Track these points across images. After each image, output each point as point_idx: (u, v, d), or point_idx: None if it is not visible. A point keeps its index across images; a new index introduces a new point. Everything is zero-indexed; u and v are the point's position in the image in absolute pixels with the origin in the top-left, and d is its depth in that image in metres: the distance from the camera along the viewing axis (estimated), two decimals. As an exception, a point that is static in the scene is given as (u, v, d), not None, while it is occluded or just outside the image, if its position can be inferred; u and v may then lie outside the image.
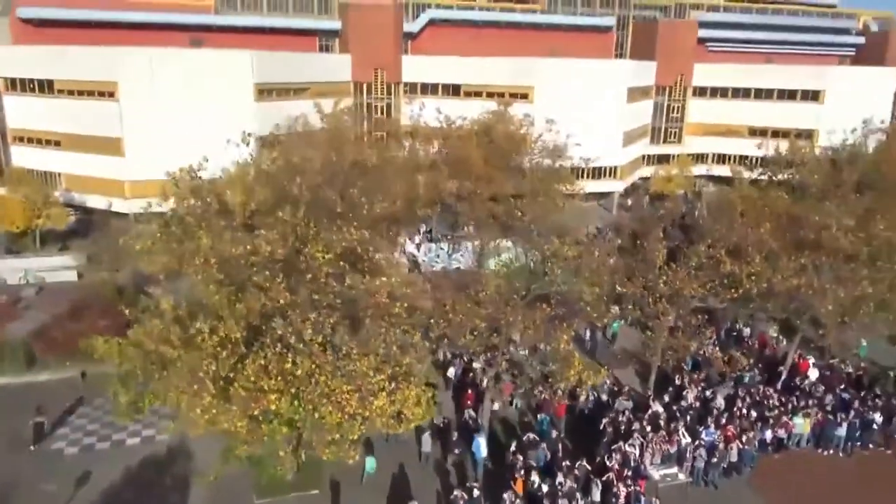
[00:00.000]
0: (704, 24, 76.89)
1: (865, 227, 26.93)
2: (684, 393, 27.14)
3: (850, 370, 30.00)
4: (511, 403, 27.67)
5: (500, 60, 62.01)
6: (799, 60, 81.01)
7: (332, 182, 21.48)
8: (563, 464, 22.25)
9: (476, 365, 28.52)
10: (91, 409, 27.71)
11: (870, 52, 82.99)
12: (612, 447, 23.23)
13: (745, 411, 25.83)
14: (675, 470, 23.49)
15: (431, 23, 69.30)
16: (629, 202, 66.55)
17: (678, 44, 71.89)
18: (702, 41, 77.12)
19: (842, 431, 25.37)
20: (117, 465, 23.99)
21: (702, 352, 28.08)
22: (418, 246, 48.29)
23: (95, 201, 52.25)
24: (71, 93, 51.45)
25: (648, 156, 72.51)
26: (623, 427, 24.39)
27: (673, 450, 23.91)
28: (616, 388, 27.83)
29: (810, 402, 26.88)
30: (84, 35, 57.22)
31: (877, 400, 27.22)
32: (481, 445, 23.37)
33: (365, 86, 63.33)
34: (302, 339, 18.13)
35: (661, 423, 24.88)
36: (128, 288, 38.92)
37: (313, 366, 17.90)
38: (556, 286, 23.47)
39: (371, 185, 23.67)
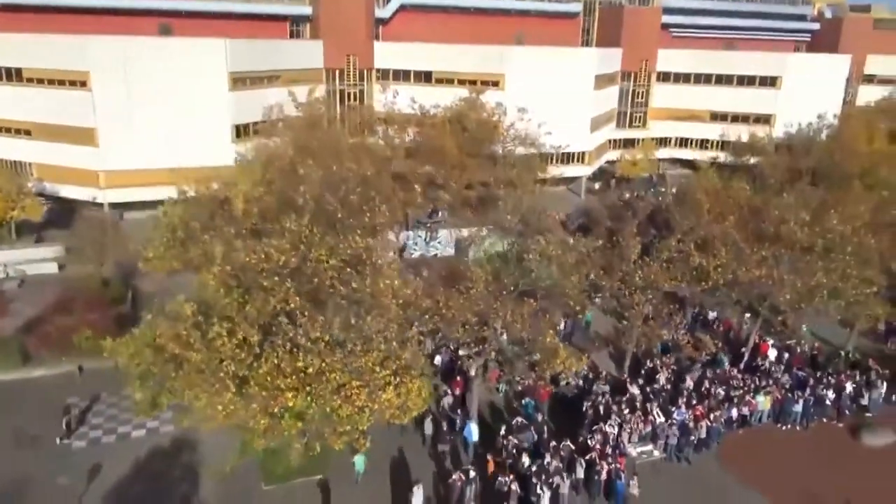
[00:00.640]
0: (668, 10, 78.87)
1: (820, 221, 29.25)
2: (657, 376, 29.28)
3: (807, 350, 32.56)
4: (497, 390, 29.44)
5: (470, 48, 63.01)
6: (758, 46, 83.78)
7: (331, 188, 22.52)
8: (550, 444, 24.16)
9: (462, 353, 30.15)
10: (94, 404, 28.46)
11: (824, 38, 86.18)
12: (594, 428, 25.24)
13: (712, 391, 28.10)
14: (650, 447, 25.71)
15: (402, 8, 69.72)
16: (596, 186, 68.74)
17: (643, 30, 73.75)
18: (665, 27, 79.17)
19: (798, 408, 27.90)
20: (126, 458, 25.05)
21: (672, 337, 30.19)
22: (397, 235, 49.47)
23: (69, 191, 52.00)
24: (41, 81, 50.78)
25: (614, 140, 74.60)
26: (602, 409, 26.40)
27: (648, 429, 26.05)
28: (592, 374, 29.79)
29: (770, 381, 29.31)
30: (51, 20, 56.23)
31: (829, 378, 29.81)
32: (473, 430, 25.12)
33: (337, 72, 63.67)
34: (310, 338, 19.46)
35: (637, 404, 26.97)
36: (113, 281, 39.51)
37: (323, 363, 19.26)
38: (542, 282, 25.19)
39: (367, 188, 24.72)
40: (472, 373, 28.60)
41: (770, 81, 73.28)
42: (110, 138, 50.29)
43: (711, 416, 26.50)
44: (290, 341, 19.54)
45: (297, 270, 20.04)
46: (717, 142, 74.14)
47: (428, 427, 25.56)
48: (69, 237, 43.81)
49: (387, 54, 64.39)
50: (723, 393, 28.09)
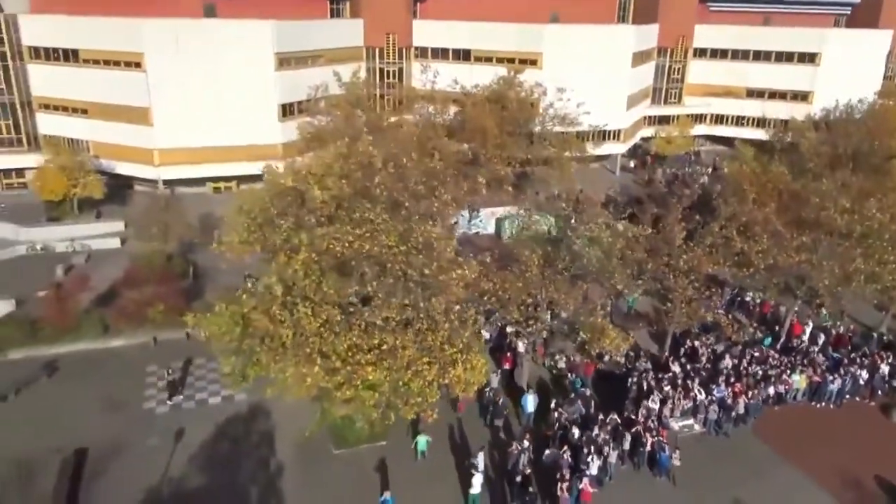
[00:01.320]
0: (706, -16, 78.25)
1: (859, 209, 30.24)
2: (697, 355, 30.82)
3: (842, 332, 33.80)
4: (544, 365, 31.24)
5: (509, 26, 63.55)
6: (796, 20, 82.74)
7: (400, 178, 24.16)
8: (598, 417, 25.96)
9: (509, 329, 31.95)
10: (165, 373, 30.76)
11: (864, 12, 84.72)
12: (639, 402, 26.96)
13: (750, 370, 29.60)
14: (691, 422, 27.42)
15: (439, -14, 70.20)
16: (631, 164, 69.48)
17: (680, 5, 73.37)
18: (703, 1, 78.62)
19: (834, 388, 29.28)
20: (205, 423, 27.42)
21: (712, 318, 31.58)
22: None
23: (124, 168, 54.27)
24: (96, 62, 52.79)
25: (649, 117, 74.92)
26: (645, 385, 28.08)
27: (689, 405, 27.70)
28: (634, 352, 31.39)
29: (806, 361, 30.69)
30: (97, 1, 57.72)
31: (863, 359, 31.09)
32: (529, 400, 27.04)
33: (377, 50, 64.81)
34: (383, 318, 21.35)
35: (679, 381, 28.59)
36: (176, 257, 41.78)
37: (396, 341, 21.15)
38: (592, 265, 26.76)
39: (432, 178, 26.36)
40: (521, 349, 30.54)
41: (809, 58, 72.67)
42: (163, 117, 52.29)
43: (749, 393, 28.03)
44: (365, 321, 21.48)
45: (371, 256, 21.81)
46: (754, 119, 74.37)
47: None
48: (137, 214, 45.37)
49: (425, 32, 65.31)
50: (760, 372, 29.56)
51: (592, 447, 24.16)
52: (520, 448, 23.99)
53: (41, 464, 24.50)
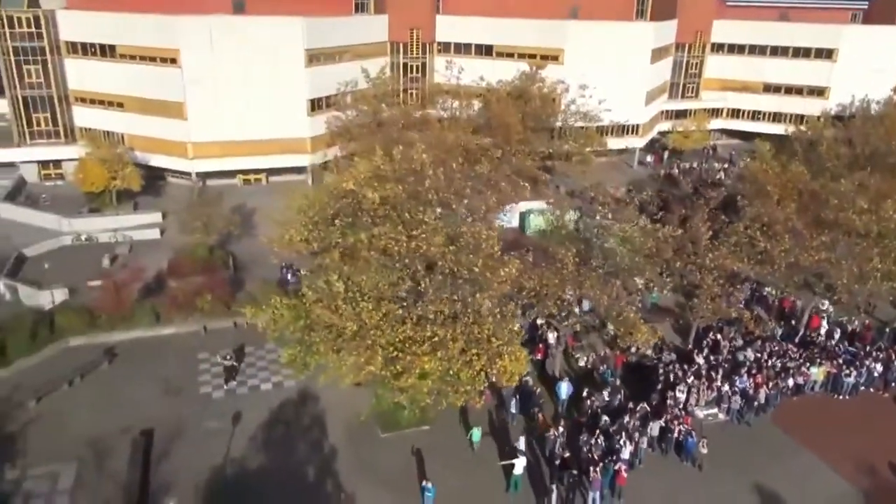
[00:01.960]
0: (724, -21, 78.92)
1: (876, 209, 31.71)
2: (720, 347, 32.50)
3: (857, 327, 35.38)
4: (573, 355, 32.97)
5: (531, 23, 64.69)
6: (813, 15, 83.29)
7: (450, 183, 25.79)
8: (628, 406, 27.73)
9: (539, 321, 33.65)
10: (222, 359, 32.66)
11: (881, 7, 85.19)
12: (666, 393, 28.69)
13: (770, 363, 31.26)
14: (715, 410, 29.18)
15: (462, -19, 71.26)
16: (648, 158, 70.82)
17: (698, 0, 74.25)
18: (720, -4, 79.40)
19: (850, 381, 30.92)
20: (260, 407, 29.35)
21: (735, 313, 33.20)
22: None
23: (159, 161, 56.05)
24: (132, 57, 54.47)
25: (666, 111, 76.07)
26: (672, 376, 29.80)
27: (713, 395, 29.42)
28: (659, 345, 33.04)
29: (824, 355, 32.32)
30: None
31: (878, 353, 32.68)
32: (563, 388, 28.86)
33: (401, 46, 66.12)
34: (435, 313, 23.14)
35: (703, 372, 30.30)
36: (216, 248, 43.62)
37: (447, 334, 22.92)
38: (624, 263, 28.43)
39: (479, 181, 28.04)
40: (552, 340, 32.32)
41: (826, 53, 73.45)
42: (197, 111, 53.99)
43: (769, 384, 29.70)
44: (417, 314, 23.27)
45: (424, 254, 23.56)
46: (770, 113, 75.44)
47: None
48: (178, 207, 46.89)
49: (448, 27, 66.52)
50: (780, 364, 31.22)
51: (624, 434, 25.94)
52: (556, 433, 25.80)
53: (111, 443, 26.55)
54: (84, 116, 58.37)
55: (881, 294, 32.95)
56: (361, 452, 26.88)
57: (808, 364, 31.40)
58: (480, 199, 26.57)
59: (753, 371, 30.52)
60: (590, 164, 57.67)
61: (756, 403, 29.25)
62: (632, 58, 64.30)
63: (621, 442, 25.40)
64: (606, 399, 28.46)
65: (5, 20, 53.93)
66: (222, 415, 28.77)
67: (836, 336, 34.42)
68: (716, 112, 76.95)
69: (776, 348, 32.50)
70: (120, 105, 56.55)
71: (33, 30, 55.24)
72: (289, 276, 39.80)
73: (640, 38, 65.10)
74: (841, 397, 31.37)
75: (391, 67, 65.14)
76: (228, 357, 31.25)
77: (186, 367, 32.12)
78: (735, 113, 77.62)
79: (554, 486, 23.62)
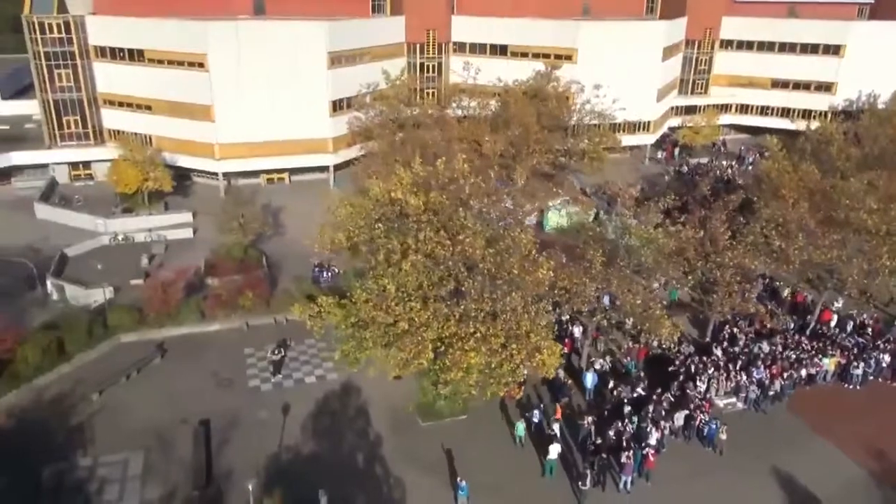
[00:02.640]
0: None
1: (885, 208, 33.46)
2: (737, 340, 34.37)
3: (865, 319, 37.20)
4: (597, 348, 34.87)
5: (545, 23, 66.24)
6: (820, 10, 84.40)
7: (486, 187, 27.67)
8: (652, 396, 29.64)
9: (564, 317, 35.52)
10: (269, 353, 34.42)
11: (888, 1, 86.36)
12: (687, 383, 30.60)
13: (784, 354, 33.13)
14: (734, 400, 31.12)
15: (477, -19, 72.70)
16: (659, 154, 72.47)
17: (708, -4, 75.52)
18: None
19: (860, 371, 32.78)
20: (306, 399, 31.34)
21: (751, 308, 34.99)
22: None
23: (186, 161, 57.86)
24: (160, 62, 56.16)
25: (676, 106, 77.59)
26: (693, 368, 31.70)
27: (731, 385, 31.32)
28: (679, 338, 34.86)
29: (834, 346, 34.17)
30: (153, 1, 60.59)
31: (886, 344, 34.52)
32: (589, 378, 30.86)
33: (417, 46, 67.67)
34: (477, 311, 25.05)
35: (721, 364, 32.19)
36: (249, 248, 45.48)
37: (488, 331, 24.83)
38: (648, 263, 30.29)
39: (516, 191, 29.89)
40: (577, 334, 34.25)
41: (833, 49, 74.71)
42: (224, 113, 55.80)
43: (784, 374, 31.59)
44: (460, 312, 25.18)
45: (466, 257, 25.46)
46: (778, 108, 76.90)
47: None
48: (215, 207, 48.45)
49: (464, 28, 68.00)
50: (793, 356, 33.08)
51: (650, 421, 27.87)
52: (588, 421, 27.76)
53: (172, 432, 28.59)
54: (112, 118, 60.15)
55: (889, 289, 34.60)
56: (404, 440, 28.86)
57: (819, 355, 33.24)
58: (515, 203, 28.31)
59: (769, 362, 32.37)
60: (604, 161, 59.50)
61: (772, 393, 31.12)
62: (644, 56, 65.81)
63: (648, 430, 27.32)
64: (631, 390, 30.34)
65: (37, 26, 55.68)
66: (272, 406, 30.75)
67: (849, 328, 36.18)
68: (725, 107, 78.39)
69: (790, 341, 34.33)
70: (148, 107, 58.33)
71: (63, 35, 56.92)
72: (323, 274, 41.76)
73: (653, 36, 66.61)
74: (851, 387, 33.21)
75: (408, 66, 66.76)
76: (277, 352, 33.18)
77: (233, 361, 34.10)
78: (744, 108, 79.02)
79: (588, 471, 25.54)
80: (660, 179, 60.51)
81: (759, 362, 32.22)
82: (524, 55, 66.12)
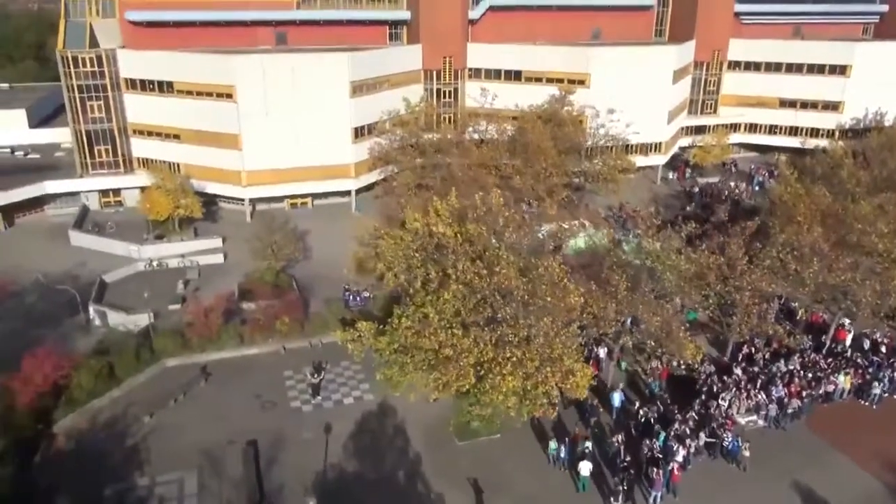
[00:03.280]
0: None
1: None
2: (755, 359, 35.82)
3: (879, 338, 38.58)
4: (621, 369, 36.36)
5: (558, 49, 68.34)
6: (825, 29, 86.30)
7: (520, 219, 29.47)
8: (676, 415, 31.09)
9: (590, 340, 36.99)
10: (309, 376, 36.00)
11: (893, 20, 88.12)
12: (709, 402, 32.04)
13: (802, 373, 34.55)
14: (754, 417, 32.53)
15: (491, 9, 74.97)
16: (671, 175, 74.18)
17: (716, 19, 77.40)
18: (737, 15, 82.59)
19: (877, 389, 34.14)
20: (346, 419, 32.90)
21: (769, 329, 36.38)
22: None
23: (214, 188, 59.91)
24: (189, 93, 58.40)
25: (686, 127, 79.38)
26: (715, 387, 33.15)
27: (752, 403, 32.74)
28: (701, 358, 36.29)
29: (849, 364, 35.56)
30: (183, 32, 62.79)
31: (900, 362, 35.95)
32: (615, 397, 32.37)
33: (434, 73, 69.80)
34: (512, 336, 26.70)
35: (742, 383, 33.63)
36: (282, 275, 47.21)
37: (525, 355, 26.44)
38: (671, 286, 31.91)
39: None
40: (602, 355, 35.81)
41: (839, 69, 76.42)
42: (251, 142, 57.93)
43: (803, 393, 32.98)
44: (496, 338, 26.83)
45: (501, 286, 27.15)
46: (786, 127, 78.60)
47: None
48: (257, 239, 48.68)
49: (479, 54, 70.08)
50: (811, 375, 34.49)
51: (676, 439, 29.32)
52: (618, 440, 29.25)
53: (221, 453, 30.17)
54: (142, 147, 62.34)
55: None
56: (442, 459, 30.37)
57: (835, 374, 34.63)
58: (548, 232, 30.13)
59: (787, 381, 33.78)
60: (618, 183, 61.29)
61: (791, 410, 32.50)
62: (654, 79, 67.70)
63: (675, 448, 28.76)
64: (656, 409, 31.79)
65: (70, 60, 58.05)
66: (314, 426, 32.31)
67: (866, 346, 37.51)
68: (734, 126, 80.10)
69: (806, 360, 35.75)
70: (176, 136, 60.51)
71: (95, 68, 59.25)
72: (352, 298, 43.43)
73: (663, 60, 68.55)
74: (867, 404, 34.55)
75: (425, 92, 68.86)
76: (315, 374, 34.82)
77: (274, 383, 35.75)
78: (753, 127, 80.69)
79: (619, 487, 26.98)
80: (672, 200, 62.12)
81: (778, 381, 33.62)
82: (538, 80, 68.00)
